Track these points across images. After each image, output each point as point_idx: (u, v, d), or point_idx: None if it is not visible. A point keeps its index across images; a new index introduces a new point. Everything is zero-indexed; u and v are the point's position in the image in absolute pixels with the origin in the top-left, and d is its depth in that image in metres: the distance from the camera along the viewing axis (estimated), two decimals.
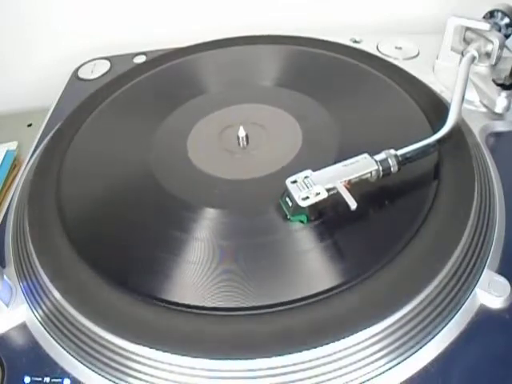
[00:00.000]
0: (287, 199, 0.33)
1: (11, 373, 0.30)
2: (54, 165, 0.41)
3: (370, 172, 0.34)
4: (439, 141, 0.36)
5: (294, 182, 0.33)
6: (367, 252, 0.32)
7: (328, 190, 0.32)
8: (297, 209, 0.33)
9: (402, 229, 0.33)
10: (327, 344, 0.27)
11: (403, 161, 0.34)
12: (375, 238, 0.33)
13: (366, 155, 0.34)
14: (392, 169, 0.34)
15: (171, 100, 0.47)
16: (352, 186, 0.33)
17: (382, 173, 0.34)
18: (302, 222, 0.34)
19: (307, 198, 0.32)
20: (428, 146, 0.35)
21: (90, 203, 0.38)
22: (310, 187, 0.33)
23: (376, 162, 0.34)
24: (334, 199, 0.32)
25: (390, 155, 0.34)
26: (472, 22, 0.44)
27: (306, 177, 0.33)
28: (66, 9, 0.62)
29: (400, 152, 0.34)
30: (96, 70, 0.57)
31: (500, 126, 0.42)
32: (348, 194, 0.32)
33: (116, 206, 0.38)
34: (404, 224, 0.33)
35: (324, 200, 0.32)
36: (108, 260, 0.34)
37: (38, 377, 0.30)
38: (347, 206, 0.31)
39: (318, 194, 0.32)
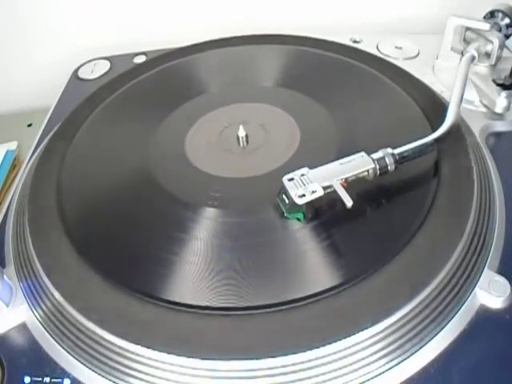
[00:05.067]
0: (284, 196, 0.33)
1: (11, 373, 0.30)
2: (54, 165, 0.41)
3: (367, 170, 0.34)
4: (437, 140, 0.36)
5: (291, 179, 0.33)
6: (367, 251, 0.32)
7: (324, 188, 0.32)
8: (293, 206, 0.33)
9: (401, 228, 0.33)
10: (327, 344, 0.27)
11: (400, 159, 0.34)
12: (375, 238, 0.33)
13: (363, 153, 0.34)
14: (389, 167, 0.34)
15: (171, 100, 0.47)
16: (349, 185, 0.33)
17: (378, 171, 0.34)
18: (298, 219, 0.34)
19: (303, 195, 0.32)
20: (425, 145, 0.35)
21: (89, 203, 0.38)
22: (307, 185, 0.33)
23: (373, 160, 0.34)
24: (332, 198, 0.32)
25: (387, 154, 0.34)
26: (472, 22, 0.44)
27: (302, 174, 0.33)
28: (66, 9, 0.62)
29: (397, 151, 0.35)
30: (96, 70, 0.57)
31: (500, 126, 0.42)
32: (344, 192, 0.32)
33: (116, 206, 0.38)
34: (404, 223, 0.33)
35: (321, 198, 0.32)
36: (108, 260, 0.34)
37: (38, 377, 0.30)
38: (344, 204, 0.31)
39: (314, 191, 0.32)
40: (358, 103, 0.44)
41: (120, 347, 0.29)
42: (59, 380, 0.29)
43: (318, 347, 0.27)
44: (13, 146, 0.54)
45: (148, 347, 0.28)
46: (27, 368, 0.30)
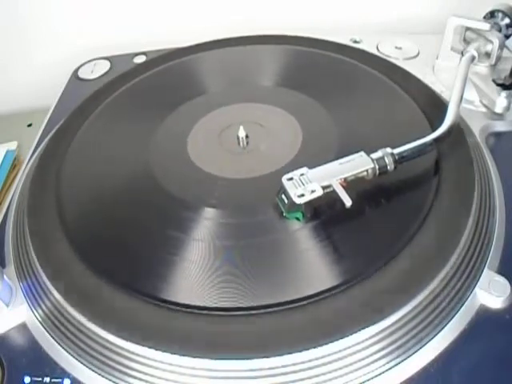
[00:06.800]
0: (283, 196, 0.33)
1: (11, 373, 0.30)
2: (53, 165, 0.41)
3: (367, 170, 0.34)
4: (437, 140, 0.36)
5: (291, 179, 0.33)
6: (367, 252, 0.32)
7: (324, 188, 0.32)
8: (292, 206, 0.33)
9: (401, 228, 0.33)
10: (327, 344, 0.27)
11: (400, 159, 0.34)
12: (375, 238, 0.33)
13: (362, 153, 0.34)
14: (388, 167, 0.34)
15: (171, 100, 0.47)
16: (349, 184, 0.33)
17: (378, 171, 0.34)
18: (297, 219, 0.34)
19: (302, 195, 0.32)
20: (425, 144, 0.35)
21: (89, 203, 0.38)
22: (306, 184, 0.33)
23: (372, 160, 0.34)
24: (332, 198, 0.32)
25: (386, 153, 0.34)
26: (472, 22, 0.44)
27: (301, 174, 0.33)
28: (66, 9, 0.62)
29: (396, 150, 0.34)
30: (96, 70, 0.57)
31: (500, 126, 0.42)
32: (343, 192, 0.32)
33: (116, 206, 0.38)
34: (404, 223, 0.33)
35: (320, 198, 0.32)
36: (108, 260, 0.34)
37: (38, 377, 0.30)
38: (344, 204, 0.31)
39: (313, 191, 0.32)
40: (358, 104, 0.44)
41: (120, 347, 0.29)
42: (59, 380, 0.29)
43: (318, 347, 0.27)
44: (13, 146, 0.54)
45: (148, 347, 0.28)
46: (27, 368, 0.30)
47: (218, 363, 0.28)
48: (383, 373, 0.28)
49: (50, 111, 0.52)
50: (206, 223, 0.35)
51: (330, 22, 0.62)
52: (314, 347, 0.27)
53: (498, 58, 0.44)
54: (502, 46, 0.43)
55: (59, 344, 0.31)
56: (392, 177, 0.35)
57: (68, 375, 0.30)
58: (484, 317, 0.30)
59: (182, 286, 0.32)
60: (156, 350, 0.28)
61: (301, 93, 0.46)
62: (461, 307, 0.30)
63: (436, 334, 0.29)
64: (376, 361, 0.28)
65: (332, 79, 0.47)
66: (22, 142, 0.54)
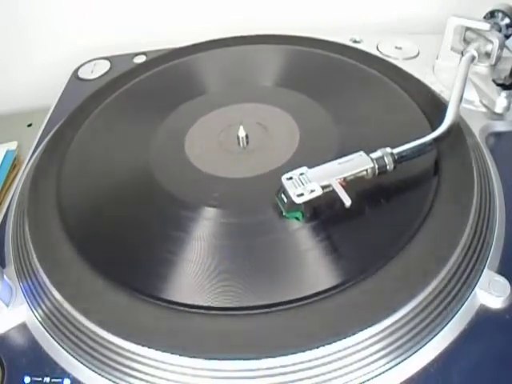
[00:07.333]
0: (283, 196, 0.33)
1: (11, 373, 0.30)
2: (53, 165, 0.41)
3: (366, 170, 0.34)
4: (436, 140, 0.36)
5: (290, 178, 0.33)
6: (367, 251, 0.32)
7: (323, 188, 0.32)
8: (292, 205, 0.33)
9: (401, 228, 0.32)
10: (327, 344, 0.27)
11: (399, 159, 0.34)
12: (375, 238, 0.33)
13: (361, 153, 0.34)
14: (388, 167, 0.34)
15: (171, 100, 0.47)
16: (348, 184, 0.33)
17: (377, 171, 0.34)
18: (297, 218, 0.34)
19: (302, 194, 0.32)
20: (424, 144, 0.35)
21: (89, 203, 0.38)
22: (306, 184, 0.33)
23: (372, 159, 0.34)
24: (332, 197, 0.32)
25: (385, 153, 0.34)
26: (472, 22, 0.44)
27: (301, 174, 0.33)
28: (66, 9, 0.62)
29: (396, 150, 0.34)
30: (96, 70, 0.57)
31: (500, 126, 0.42)
32: (343, 192, 0.32)
33: (116, 205, 0.38)
34: (404, 223, 0.33)
35: (319, 197, 0.32)
36: (108, 260, 0.34)
37: (38, 377, 0.30)
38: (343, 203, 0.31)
39: (312, 191, 0.32)
40: (358, 103, 0.44)
41: (120, 347, 0.29)
42: (59, 380, 0.29)
43: (317, 347, 0.27)
44: (13, 146, 0.54)
45: (148, 347, 0.28)
46: (27, 368, 0.30)
47: (217, 363, 0.28)
48: (383, 373, 0.28)
49: (50, 111, 0.52)
50: (206, 223, 0.35)
51: (330, 22, 0.62)
52: (314, 347, 0.27)
53: (498, 58, 0.44)
54: (502, 46, 0.43)
55: (59, 344, 0.31)
56: (392, 177, 0.35)
57: (68, 375, 0.30)
58: (484, 317, 0.30)
59: (182, 286, 0.32)
60: (156, 349, 0.28)
61: (300, 93, 0.46)
62: (461, 307, 0.30)
63: (436, 334, 0.29)
64: (376, 361, 0.28)
65: (332, 79, 0.47)
66: (22, 142, 0.54)
